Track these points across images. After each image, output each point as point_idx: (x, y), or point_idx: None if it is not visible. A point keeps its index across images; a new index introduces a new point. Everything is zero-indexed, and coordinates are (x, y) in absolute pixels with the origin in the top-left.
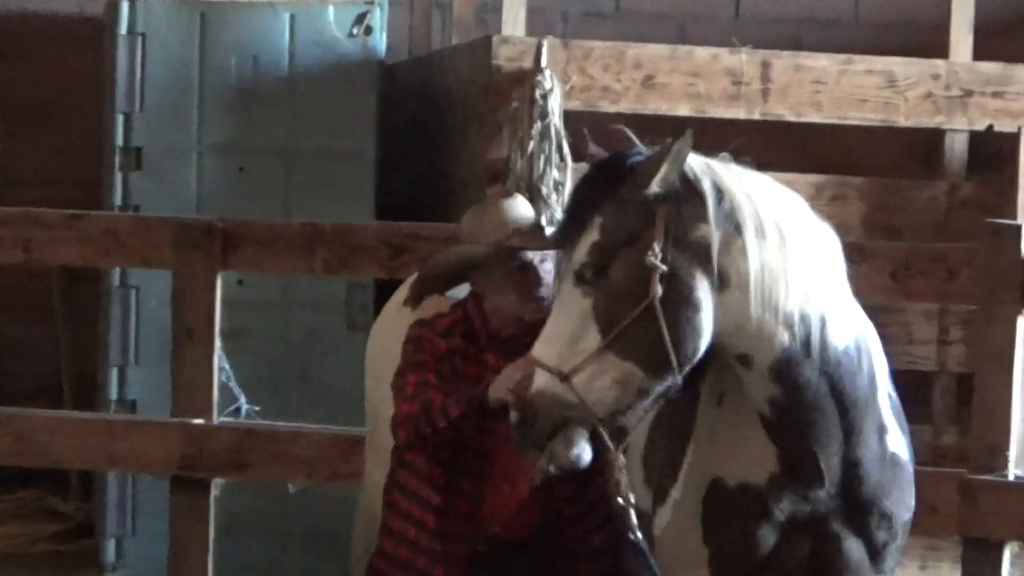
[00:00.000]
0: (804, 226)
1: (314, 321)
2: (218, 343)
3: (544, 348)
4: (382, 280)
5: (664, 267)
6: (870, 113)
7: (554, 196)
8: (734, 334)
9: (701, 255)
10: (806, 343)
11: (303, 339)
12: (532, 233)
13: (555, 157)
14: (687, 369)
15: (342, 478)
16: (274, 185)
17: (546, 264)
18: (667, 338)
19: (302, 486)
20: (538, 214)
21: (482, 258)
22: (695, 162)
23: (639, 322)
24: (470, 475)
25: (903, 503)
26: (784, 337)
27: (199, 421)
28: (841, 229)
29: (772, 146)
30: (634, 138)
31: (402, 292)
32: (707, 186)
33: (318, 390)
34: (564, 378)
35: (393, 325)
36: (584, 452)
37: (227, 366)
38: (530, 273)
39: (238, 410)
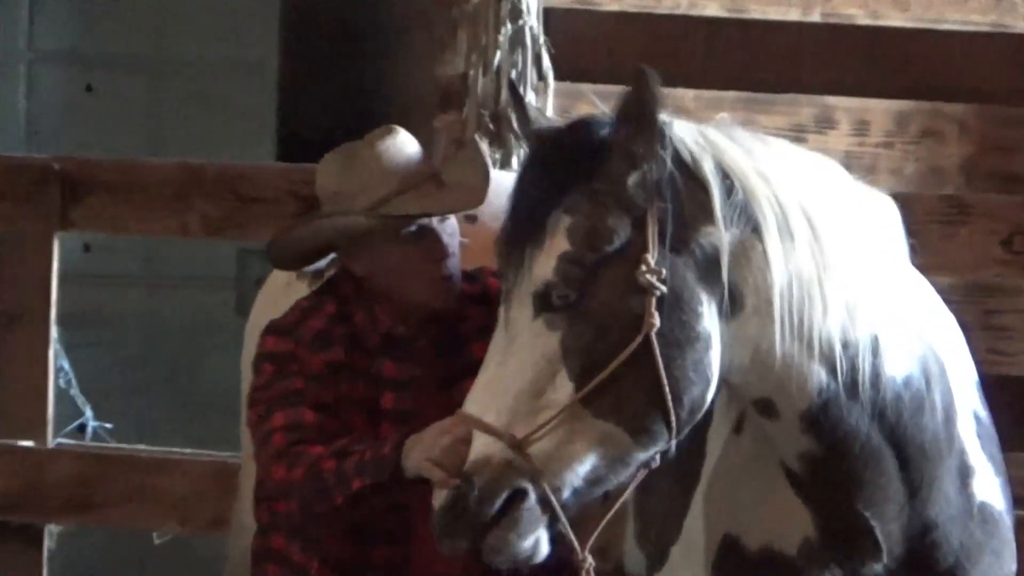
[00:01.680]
0: (847, 210)
1: (191, 303)
2: (55, 333)
3: (484, 402)
4: None
5: (663, 287)
6: (976, 15)
7: None
8: (750, 374)
9: (708, 269)
10: (851, 380)
11: (175, 328)
12: (429, 185)
13: (531, 74)
14: (688, 430)
15: (223, 524)
16: (135, 110)
17: (448, 223)
18: (666, 388)
19: (171, 535)
20: (507, 154)
21: (360, 230)
22: (687, 133)
23: (628, 366)
24: (386, 541)
25: (999, 569)
26: (820, 375)
27: (28, 443)
28: (933, 177)
29: (836, 60)
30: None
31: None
32: (708, 169)
33: (196, 399)
34: (517, 445)
35: (282, 307)
36: (541, 544)
37: (67, 365)
38: (429, 240)
39: (83, 427)
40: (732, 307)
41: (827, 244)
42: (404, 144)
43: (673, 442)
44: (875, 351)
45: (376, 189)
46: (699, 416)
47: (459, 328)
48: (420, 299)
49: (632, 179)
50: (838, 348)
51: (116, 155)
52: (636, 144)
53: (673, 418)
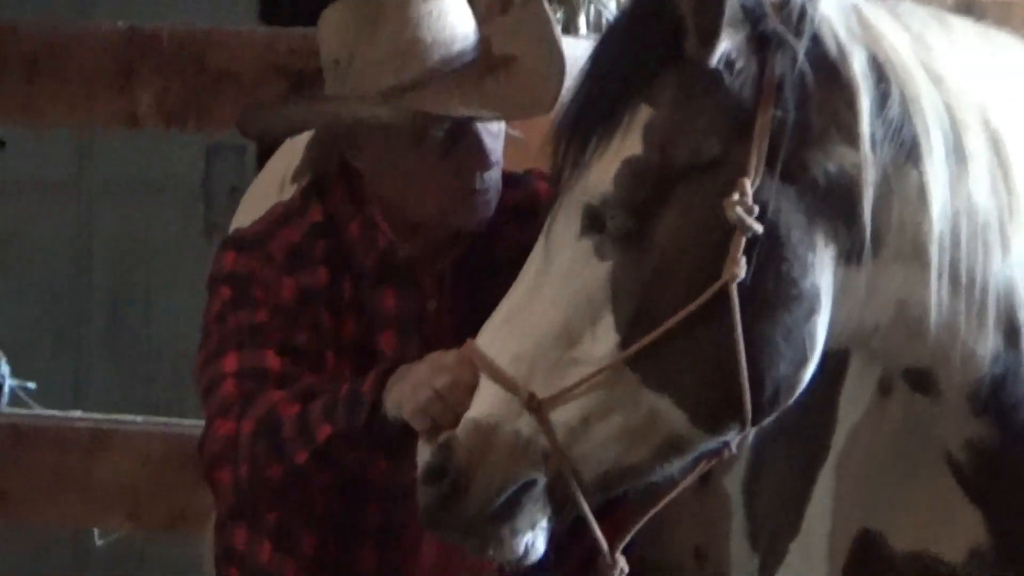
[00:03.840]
0: None
1: (141, 220)
2: None
3: (501, 340)
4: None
5: (759, 226)
6: None
7: None
8: (895, 336)
9: (830, 203)
10: None
11: (120, 255)
12: (476, 70)
13: None
14: (771, 417)
15: (189, 519)
16: None
17: (493, 126)
18: (742, 360)
19: (117, 534)
20: (571, 11)
21: (373, 122)
22: (835, 12)
23: (695, 324)
24: (376, 541)
25: None
26: (995, 342)
27: None
28: None
29: None
30: None
31: (285, 158)
32: (859, 69)
33: (148, 351)
34: (536, 407)
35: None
36: (538, 540)
37: None
38: (466, 146)
39: None
40: (866, 252)
41: (1017, 172)
42: (448, 7)
43: (749, 428)
44: None
45: (404, 67)
46: (789, 400)
47: (493, 250)
48: (441, 217)
49: (713, 60)
50: (1023, 308)
51: (33, 13)
52: (701, 11)
53: (748, 401)
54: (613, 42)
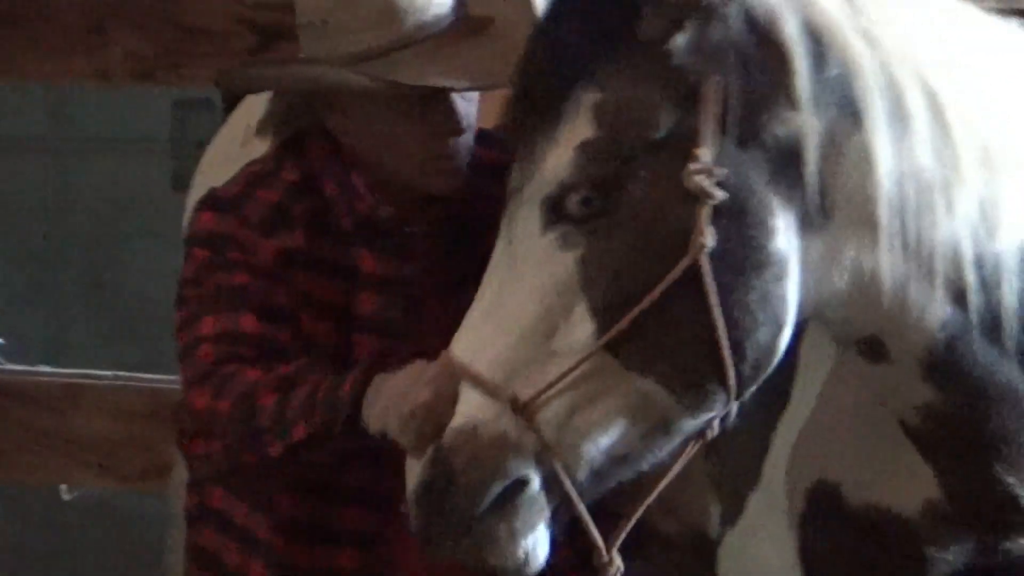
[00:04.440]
0: (996, 78)
1: (112, 175)
2: None
3: (477, 345)
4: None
5: (721, 193)
6: None
7: None
8: (850, 307)
9: (784, 167)
10: (988, 310)
11: (92, 210)
12: (454, 33)
13: None
14: (754, 387)
15: (163, 473)
16: None
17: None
18: (721, 331)
19: (86, 490)
20: None
21: (347, 87)
22: None
23: (670, 301)
24: (355, 541)
25: None
26: (943, 305)
27: None
28: None
29: None
30: None
31: (249, 110)
32: (791, 32)
33: (120, 306)
34: (521, 408)
35: (232, 172)
36: (539, 546)
37: None
38: (438, 111)
39: None
40: (818, 218)
41: (958, 132)
42: None
43: (734, 405)
44: None
45: (379, 32)
46: (769, 369)
47: (470, 210)
48: (412, 180)
49: (677, 42)
50: (969, 268)
51: None
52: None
53: (731, 372)
54: (554, 28)
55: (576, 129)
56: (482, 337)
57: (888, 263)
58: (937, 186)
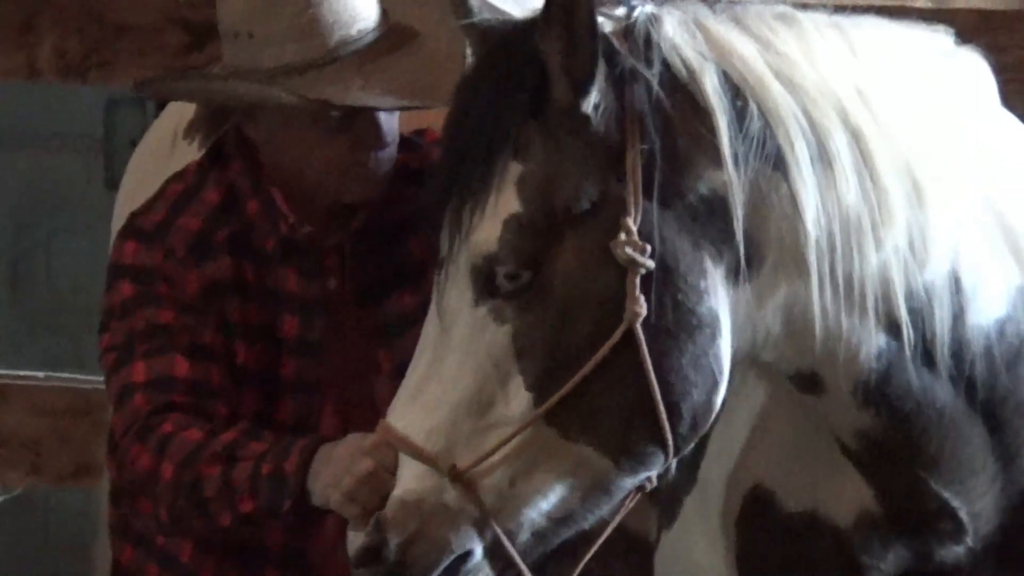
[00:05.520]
0: (918, 105)
1: (41, 172)
2: None
3: (414, 415)
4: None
5: (650, 262)
6: None
7: None
8: (785, 348)
9: (711, 223)
10: (920, 338)
11: (19, 207)
12: (378, 48)
13: None
14: (691, 445)
15: (92, 472)
16: None
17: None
18: (657, 395)
19: (17, 491)
20: None
21: (266, 103)
22: (679, 34)
23: (605, 369)
24: (280, 562)
25: None
26: (877, 337)
27: None
28: None
29: None
30: None
31: (176, 114)
32: (711, 88)
33: (49, 303)
34: (459, 477)
35: (160, 176)
36: None
37: None
38: (360, 126)
39: None
40: (747, 268)
41: (883, 168)
42: None
43: (672, 459)
44: (955, 294)
45: (302, 46)
46: (707, 426)
47: (390, 216)
48: (332, 192)
49: (587, 106)
50: (900, 301)
51: None
52: (573, 58)
53: (668, 434)
54: (471, 99)
55: (502, 202)
56: (418, 408)
57: (820, 304)
58: (865, 225)
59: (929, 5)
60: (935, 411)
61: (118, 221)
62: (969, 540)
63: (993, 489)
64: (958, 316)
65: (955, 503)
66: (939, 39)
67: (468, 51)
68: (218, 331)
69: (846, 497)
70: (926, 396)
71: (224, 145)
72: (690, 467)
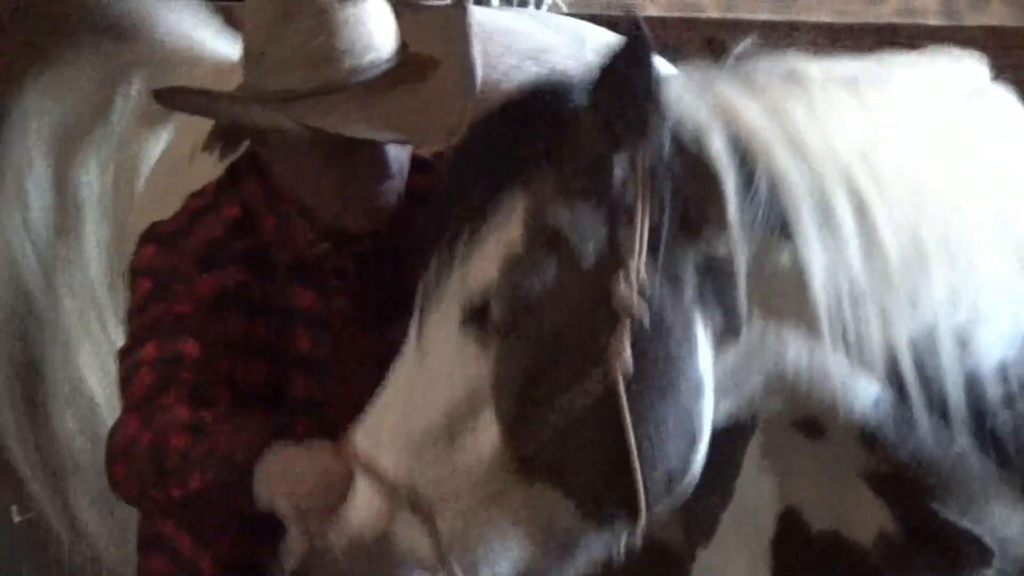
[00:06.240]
0: (926, 154)
1: None
2: None
3: (379, 435)
4: None
5: (644, 312)
6: None
7: None
8: (776, 398)
9: (711, 284)
10: (922, 386)
11: None
12: (385, 81)
13: None
14: (665, 507)
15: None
16: None
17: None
18: (633, 451)
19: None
20: None
21: (271, 127)
22: (691, 99)
23: (581, 414)
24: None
25: None
26: (873, 387)
27: None
28: None
29: None
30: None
31: (194, 130)
32: (719, 153)
33: None
34: (421, 510)
35: (175, 192)
36: None
37: None
38: (364, 156)
39: None
40: (741, 328)
41: (884, 232)
42: (367, 14)
43: (643, 522)
44: (961, 344)
45: (310, 73)
46: (682, 484)
47: (399, 239)
48: (334, 219)
49: (618, 169)
50: (904, 351)
51: None
52: (619, 125)
53: (640, 492)
54: (493, 127)
55: (504, 237)
56: (386, 430)
57: (822, 359)
58: (870, 287)
59: (941, 23)
60: (940, 453)
61: (128, 236)
62: (997, 562)
63: (1018, 515)
64: (961, 361)
65: (977, 530)
66: (967, 79)
67: (476, 87)
68: (224, 338)
69: (866, 516)
70: (929, 440)
71: (241, 166)
72: (727, 483)
